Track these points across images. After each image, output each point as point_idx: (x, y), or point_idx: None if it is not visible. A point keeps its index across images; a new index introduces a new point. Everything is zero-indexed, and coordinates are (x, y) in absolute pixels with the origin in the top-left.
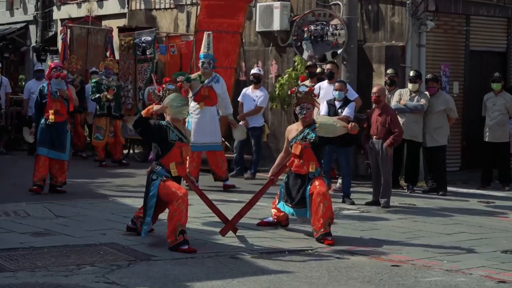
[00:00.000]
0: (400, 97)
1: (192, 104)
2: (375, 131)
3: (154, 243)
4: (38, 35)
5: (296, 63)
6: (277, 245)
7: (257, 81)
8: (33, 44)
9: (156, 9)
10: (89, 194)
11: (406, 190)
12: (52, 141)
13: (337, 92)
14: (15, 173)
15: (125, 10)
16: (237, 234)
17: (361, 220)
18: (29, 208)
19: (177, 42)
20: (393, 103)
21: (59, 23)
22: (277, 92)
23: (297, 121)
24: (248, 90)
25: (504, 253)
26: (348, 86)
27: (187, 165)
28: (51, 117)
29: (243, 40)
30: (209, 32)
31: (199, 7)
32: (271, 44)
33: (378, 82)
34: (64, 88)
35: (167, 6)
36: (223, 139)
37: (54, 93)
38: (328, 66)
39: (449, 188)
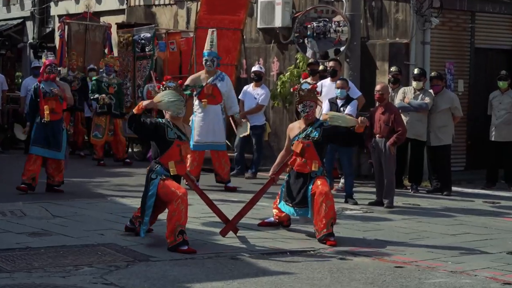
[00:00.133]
0: (404, 95)
1: (196, 103)
2: (378, 130)
3: (153, 243)
4: (35, 31)
5: (298, 61)
6: (279, 245)
7: (258, 78)
8: (30, 40)
9: (156, 5)
10: (87, 193)
11: (410, 190)
12: (48, 140)
13: (339, 90)
14: (11, 172)
15: (124, 6)
16: (237, 234)
17: (364, 221)
18: (26, 208)
19: (176, 39)
20: (397, 101)
21: (56, 19)
22: (278, 90)
23: (299, 119)
24: (249, 88)
25: (509, 254)
26: (351, 84)
27: (188, 164)
28: (47, 115)
29: (244, 37)
30: (213, 29)
31: (199, 3)
32: (273, 41)
33: (382, 80)
34: (56, 88)
35: (167, 2)
36: None
37: (48, 93)
38: (331, 63)
39: (454, 188)
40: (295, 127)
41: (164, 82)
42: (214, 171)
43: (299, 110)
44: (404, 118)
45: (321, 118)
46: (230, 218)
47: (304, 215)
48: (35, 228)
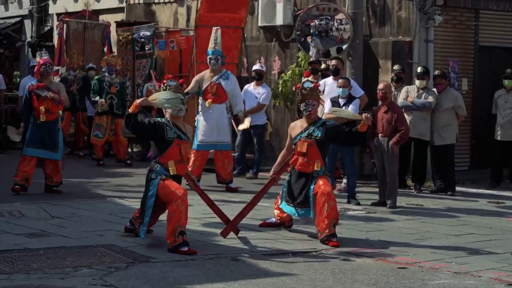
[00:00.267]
0: (407, 94)
1: (200, 102)
2: (381, 129)
3: (153, 244)
4: (33, 30)
5: (299, 59)
6: (280, 246)
7: (259, 77)
8: (28, 39)
9: (155, 3)
10: (86, 194)
11: (413, 190)
12: (43, 140)
13: (340, 89)
14: (9, 172)
15: (123, 4)
16: (239, 235)
17: (367, 221)
18: (24, 209)
19: (176, 37)
20: (400, 100)
21: (55, 17)
22: (280, 89)
23: (300, 118)
24: (250, 87)
25: None
26: (354, 83)
27: (190, 164)
28: (42, 116)
29: (245, 35)
30: (217, 27)
31: (199, 1)
32: (274, 39)
33: (384, 79)
34: (47, 93)
35: (167, 0)
36: None
37: (40, 94)
38: (333, 62)
39: (458, 188)
40: (297, 126)
41: (165, 81)
42: (215, 172)
43: (301, 109)
44: (407, 117)
45: (323, 118)
46: (231, 218)
47: (306, 215)
48: (33, 229)
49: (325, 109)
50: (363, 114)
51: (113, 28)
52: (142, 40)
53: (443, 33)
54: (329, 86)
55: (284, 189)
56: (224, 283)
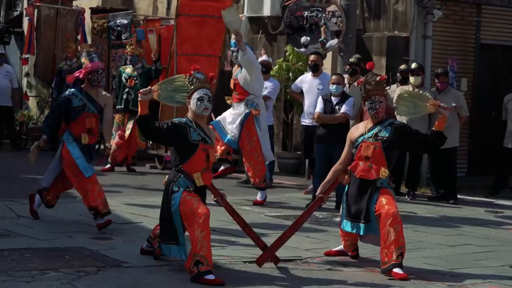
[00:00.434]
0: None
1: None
2: None
3: (125, 248)
4: (1, 15)
5: (287, 53)
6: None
7: (266, 70)
8: None
9: None
10: None
11: (407, 197)
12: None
13: (334, 86)
14: None
15: None
16: (278, 265)
17: None
18: None
19: (156, 26)
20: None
21: (25, 2)
22: None
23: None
24: None
25: None
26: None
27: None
28: (84, 137)
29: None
30: (242, 14)
31: None
32: (260, 31)
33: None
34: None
35: None
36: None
37: (88, 108)
38: (312, 57)
39: None
40: (360, 127)
41: (192, 72)
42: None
43: (366, 107)
44: (404, 118)
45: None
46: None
47: (371, 232)
48: None
49: (317, 108)
50: (437, 102)
51: (87, 15)
52: (119, 28)
53: (442, 29)
54: (308, 83)
55: (344, 205)
56: None
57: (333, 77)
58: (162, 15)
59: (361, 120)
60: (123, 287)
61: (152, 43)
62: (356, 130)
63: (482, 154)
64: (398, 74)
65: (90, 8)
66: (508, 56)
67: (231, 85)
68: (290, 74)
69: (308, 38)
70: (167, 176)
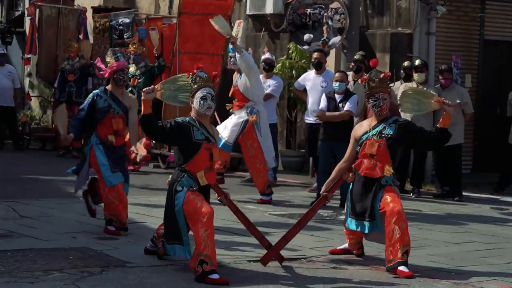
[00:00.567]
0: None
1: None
2: None
3: (129, 248)
4: (3, 14)
5: (290, 51)
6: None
7: (269, 68)
8: None
9: None
10: (58, 192)
11: (411, 194)
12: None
13: (337, 83)
14: None
15: None
16: (283, 264)
17: None
18: None
19: (158, 25)
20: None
21: (26, 1)
22: None
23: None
24: None
25: None
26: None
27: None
28: (111, 139)
29: (232, 24)
30: (240, 20)
31: None
32: (263, 29)
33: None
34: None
35: None
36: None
37: (114, 108)
38: (316, 55)
39: None
40: (364, 125)
41: (195, 71)
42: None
43: (370, 105)
44: (408, 115)
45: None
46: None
47: (375, 230)
48: (1, 229)
49: (321, 106)
50: (441, 99)
51: (89, 14)
52: (121, 27)
53: (446, 25)
54: (311, 81)
55: (348, 203)
56: None
57: (336, 74)
58: (164, 13)
59: (365, 117)
60: (128, 287)
61: (154, 39)
62: (360, 128)
63: (487, 150)
64: (402, 71)
65: (92, 7)
66: (511, 51)
67: (231, 93)
68: (293, 71)
69: (311, 36)
70: (170, 176)
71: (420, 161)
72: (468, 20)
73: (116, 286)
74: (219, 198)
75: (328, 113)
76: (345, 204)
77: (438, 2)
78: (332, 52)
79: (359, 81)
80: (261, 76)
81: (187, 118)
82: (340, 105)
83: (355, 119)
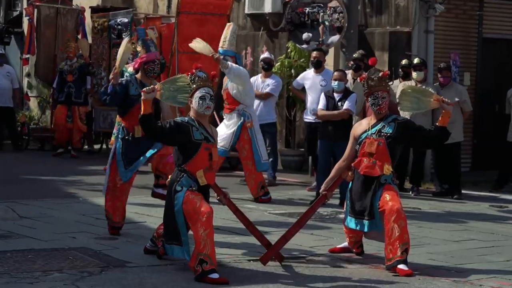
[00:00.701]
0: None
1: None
2: None
3: (129, 248)
4: (1, 15)
5: (289, 50)
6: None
7: (268, 67)
8: None
9: None
10: (57, 193)
11: (410, 193)
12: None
13: (336, 82)
14: None
15: None
16: (283, 263)
17: None
18: None
19: (157, 24)
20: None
21: (24, 1)
22: None
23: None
24: (258, 79)
25: None
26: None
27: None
28: (138, 129)
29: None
30: (230, 23)
31: None
32: (262, 28)
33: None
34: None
35: None
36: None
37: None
38: (315, 54)
39: None
40: (363, 124)
41: (194, 71)
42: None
43: (369, 103)
44: (407, 113)
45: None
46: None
47: (374, 228)
48: (0, 230)
49: (319, 105)
50: (440, 97)
51: (87, 14)
52: (119, 27)
53: (445, 24)
54: (310, 79)
55: (348, 202)
56: None
57: (335, 73)
58: (163, 13)
59: (364, 116)
60: (127, 287)
61: (152, 38)
62: (359, 127)
63: (486, 148)
64: (400, 70)
65: (90, 7)
66: (510, 49)
67: (224, 97)
68: (292, 70)
69: (310, 35)
70: (170, 176)
71: (419, 160)
72: (467, 18)
73: (115, 286)
74: (218, 197)
75: (327, 112)
76: (345, 203)
77: (436, 0)
78: (331, 51)
79: (358, 79)
80: (260, 75)
81: (186, 118)
82: (339, 104)
83: (354, 118)
